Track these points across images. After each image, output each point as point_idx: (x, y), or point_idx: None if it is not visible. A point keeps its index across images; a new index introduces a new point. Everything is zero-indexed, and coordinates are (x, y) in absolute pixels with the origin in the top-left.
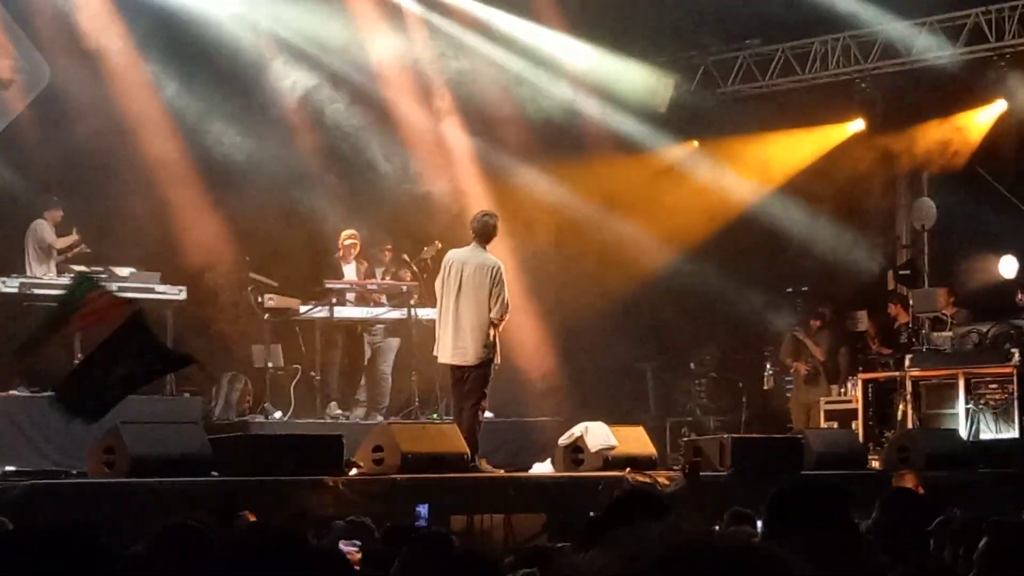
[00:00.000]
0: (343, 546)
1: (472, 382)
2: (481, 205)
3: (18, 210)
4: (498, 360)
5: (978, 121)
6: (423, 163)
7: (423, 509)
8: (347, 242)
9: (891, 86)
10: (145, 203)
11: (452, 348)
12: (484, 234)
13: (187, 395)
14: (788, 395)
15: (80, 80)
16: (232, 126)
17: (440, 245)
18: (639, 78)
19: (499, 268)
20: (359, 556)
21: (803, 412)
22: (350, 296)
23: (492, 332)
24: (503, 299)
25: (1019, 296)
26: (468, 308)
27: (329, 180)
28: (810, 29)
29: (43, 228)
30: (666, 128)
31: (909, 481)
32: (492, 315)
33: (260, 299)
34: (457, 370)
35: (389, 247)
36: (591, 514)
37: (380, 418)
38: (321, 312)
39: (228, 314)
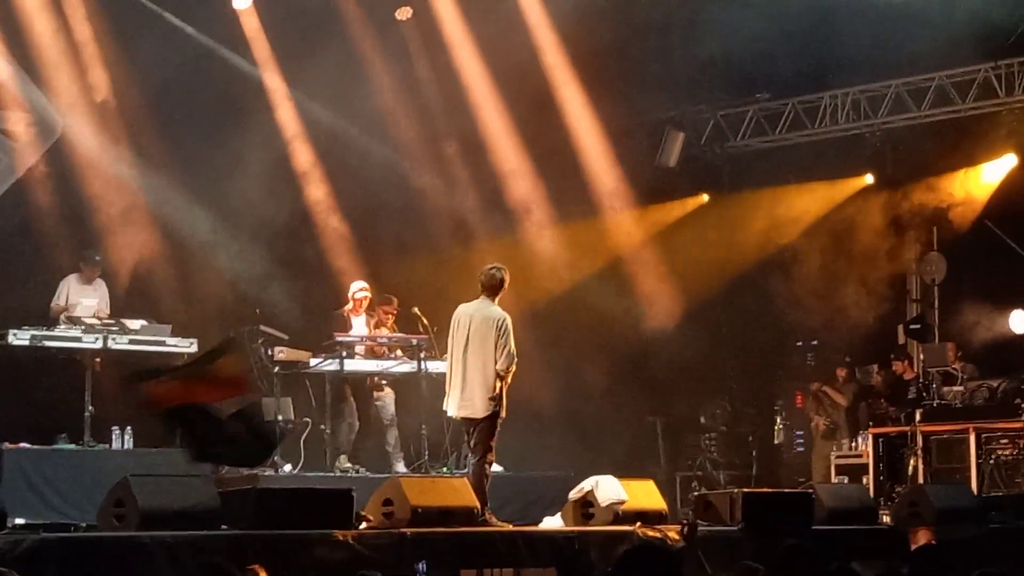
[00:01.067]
0: None
1: (478, 435)
2: (489, 258)
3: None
4: (503, 413)
5: (988, 175)
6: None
7: (422, 566)
8: (358, 295)
9: (901, 140)
10: (155, 255)
11: (460, 401)
12: (492, 287)
13: None
14: (798, 449)
15: (88, 132)
16: (241, 176)
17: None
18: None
19: (504, 320)
20: None
21: (824, 466)
22: (359, 349)
23: (498, 384)
24: (508, 350)
25: None
26: (474, 361)
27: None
28: (820, 84)
29: (64, 286)
30: (676, 182)
31: (923, 537)
32: (498, 367)
33: (270, 352)
34: (466, 423)
35: (393, 307)
36: (608, 570)
37: (402, 467)
38: (331, 365)
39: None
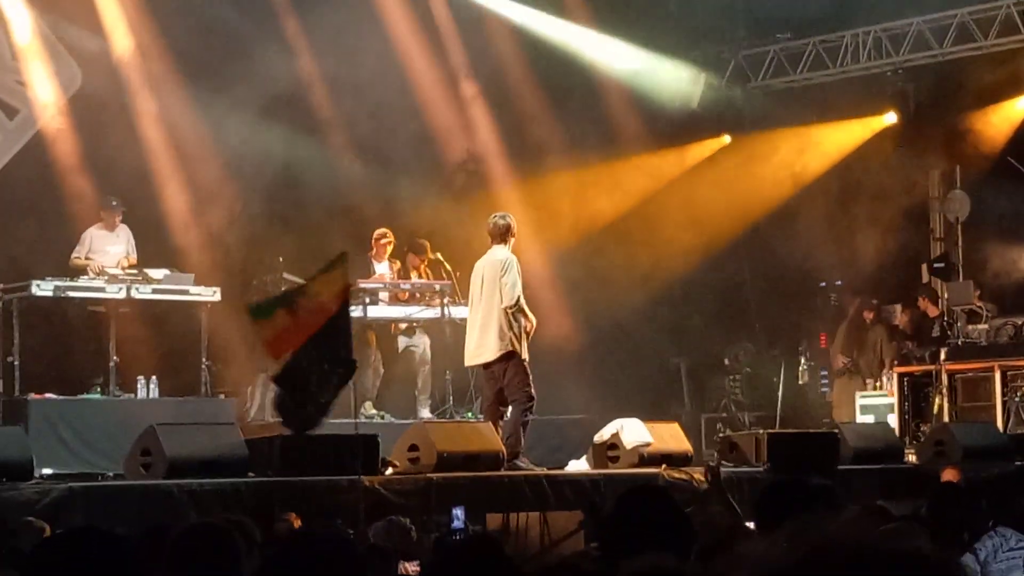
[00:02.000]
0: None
1: (509, 381)
2: (512, 202)
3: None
4: (524, 355)
5: (1011, 113)
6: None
7: (459, 511)
8: (382, 240)
9: (923, 79)
10: (179, 205)
11: (474, 349)
12: (498, 234)
13: (222, 396)
14: (823, 390)
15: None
16: (264, 123)
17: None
18: (671, 74)
19: (507, 260)
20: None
21: (847, 405)
22: (383, 295)
23: (508, 322)
24: (511, 286)
25: None
26: (488, 307)
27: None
28: (841, 22)
29: (87, 238)
30: (698, 123)
31: (950, 475)
32: (504, 304)
33: None
34: (484, 369)
35: (426, 254)
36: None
37: (427, 412)
38: (355, 312)
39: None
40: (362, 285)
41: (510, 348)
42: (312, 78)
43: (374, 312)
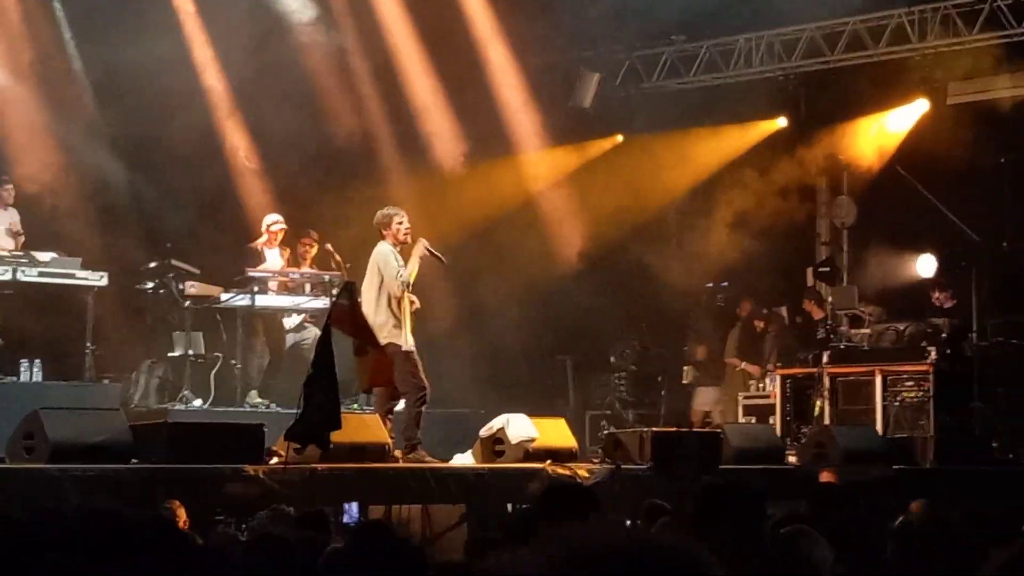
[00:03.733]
0: None
1: (396, 373)
2: (404, 200)
3: None
4: (409, 345)
5: (899, 121)
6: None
7: (353, 507)
8: (274, 227)
9: (814, 84)
10: (67, 186)
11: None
12: (378, 228)
13: (106, 381)
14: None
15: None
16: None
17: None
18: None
19: (381, 253)
20: None
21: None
22: (272, 284)
23: (386, 314)
24: (392, 278)
25: (935, 295)
26: (364, 299)
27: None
28: (734, 27)
29: None
30: (591, 123)
31: (827, 477)
32: (395, 295)
33: (181, 286)
34: None
35: (312, 239)
36: (520, 507)
37: None
38: (243, 300)
39: (148, 300)
40: (251, 273)
41: (389, 340)
42: (207, 62)
43: (262, 301)
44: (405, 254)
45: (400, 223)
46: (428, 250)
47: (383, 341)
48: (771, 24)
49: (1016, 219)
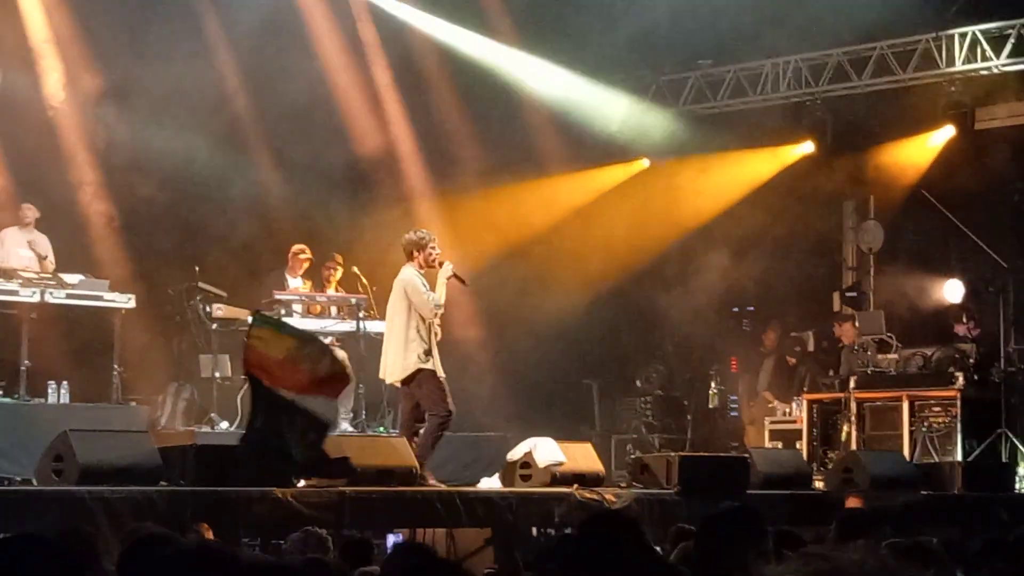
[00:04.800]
0: None
1: (425, 397)
2: (431, 218)
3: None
4: (439, 370)
5: (927, 146)
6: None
7: (398, 536)
8: (300, 256)
9: (841, 109)
10: (94, 209)
11: (389, 366)
12: (406, 252)
13: (133, 404)
14: (733, 414)
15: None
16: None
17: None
18: (593, 96)
19: (405, 278)
20: None
21: (756, 431)
22: (298, 308)
23: (418, 339)
24: (421, 305)
25: (958, 327)
26: (390, 325)
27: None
28: (762, 51)
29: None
30: (617, 146)
31: (854, 502)
32: (427, 319)
33: (208, 309)
34: (401, 386)
35: (335, 262)
36: (545, 531)
37: (346, 426)
38: None
39: (176, 323)
40: (278, 296)
41: (420, 366)
42: (235, 89)
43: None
44: (428, 278)
45: (433, 247)
46: (454, 275)
47: (411, 369)
48: (798, 49)
49: None
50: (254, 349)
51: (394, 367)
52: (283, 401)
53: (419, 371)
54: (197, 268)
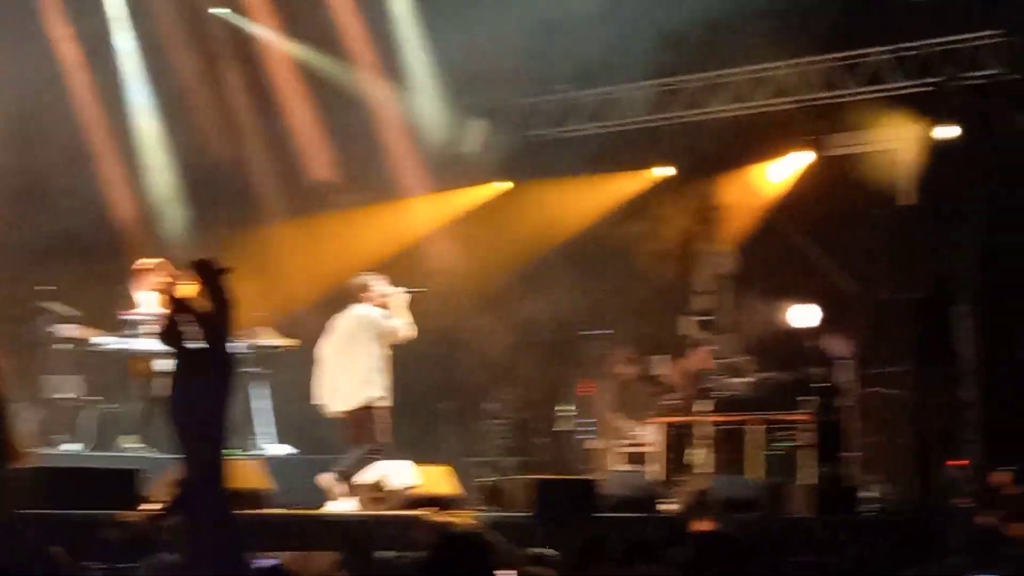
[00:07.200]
0: None
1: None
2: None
3: None
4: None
5: (781, 171)
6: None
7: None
8: (144, 271)
9: (697, 135)
10: None
11: (326, 394)
12: (353, 296)
13: None
14: (584, 437)
15: None
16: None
17: None
18: (447, 118)
19: (363, 316)
20: None
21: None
22: (143, 328)
23: (379, 376)
24: (396, 328)
25: (818, 343)
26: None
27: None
28: (619, 76)
29: None
30: (474, 170)
31: (705, 525)
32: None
33: (52, 328)
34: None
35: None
36: (402, 555)
37: None
38: (115, 344)
39: (16, 343)
40: (123, 317)
41: (385, 402)
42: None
43: (135, 344)
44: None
45: (381, 293)
46: (409, 291)
47: (374, 401)
48: (656, 74)
49: (894, 269)
50: None
51: (350, 396)
52: None
53: (381, 404)
54: (41, 287)
